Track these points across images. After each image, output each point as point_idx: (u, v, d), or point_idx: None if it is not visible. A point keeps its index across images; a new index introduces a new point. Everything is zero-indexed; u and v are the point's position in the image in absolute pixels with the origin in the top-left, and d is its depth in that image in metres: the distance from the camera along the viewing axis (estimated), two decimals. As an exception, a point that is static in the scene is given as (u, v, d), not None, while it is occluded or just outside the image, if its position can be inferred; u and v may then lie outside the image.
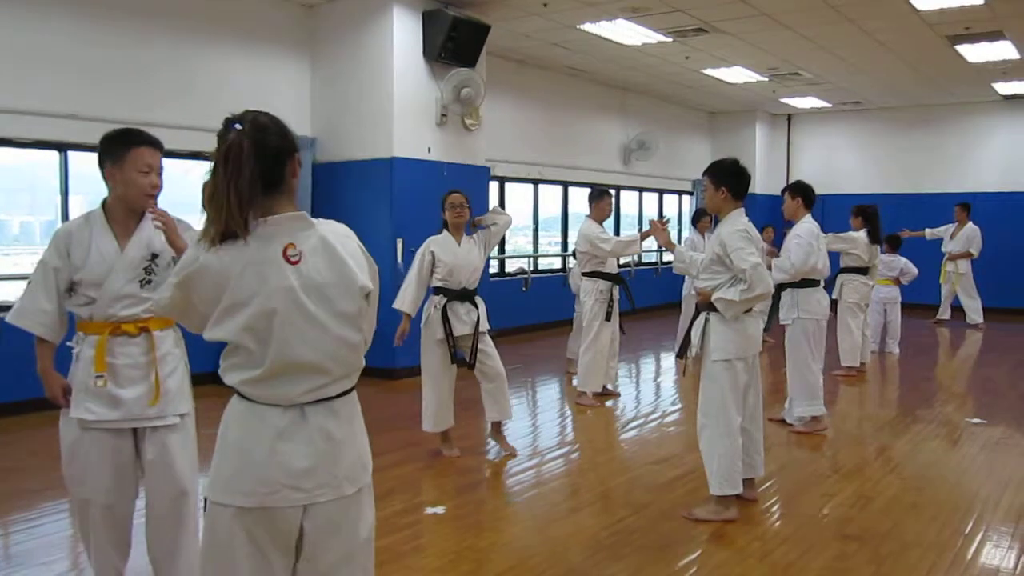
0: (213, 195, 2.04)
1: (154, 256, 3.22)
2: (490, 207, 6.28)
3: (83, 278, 3.14)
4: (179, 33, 7.79)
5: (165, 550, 3.31)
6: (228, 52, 8.16)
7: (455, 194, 5.70)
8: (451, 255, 5.59)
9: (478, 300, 5.72)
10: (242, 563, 2.07)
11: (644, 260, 14.93)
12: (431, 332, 5.62)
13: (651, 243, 7.41)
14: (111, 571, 3.27)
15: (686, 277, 9.12)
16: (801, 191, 6.52)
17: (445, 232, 5.67)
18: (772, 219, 11.96)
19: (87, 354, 3.16)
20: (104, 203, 3.24)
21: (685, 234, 10.47)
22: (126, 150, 3.13)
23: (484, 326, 5.72)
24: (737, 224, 4.50)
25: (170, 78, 7.70)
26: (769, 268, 5.41)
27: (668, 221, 5.96)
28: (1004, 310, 13.82)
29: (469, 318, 5.62)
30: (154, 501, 3.28)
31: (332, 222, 2.22)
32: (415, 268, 5.59)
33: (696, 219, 10.11)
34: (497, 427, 5.89)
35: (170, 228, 3.15)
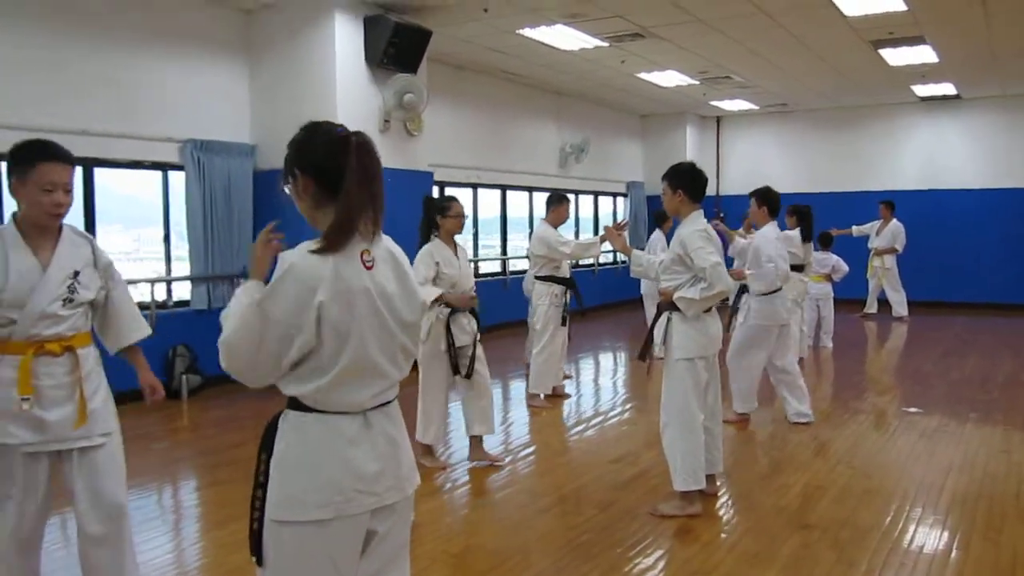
0: (361, 191, 2.05)
1: (76, 273, 3.10)
2: None
3: (2, 299, 2.97)
4: (112, 38, 7.59)
5: (107, 574, 3.21)
6: (163, 58, 7.99)
7: (458, 203, 5.58)
8: (455, 268, 5.50)
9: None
10: None
11: (595, 262, 15.08)
12: (434, 344, 5.50)
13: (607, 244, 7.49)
14: None
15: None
16: (766, 199, 6.69)
17: (438, 241, 5.53)
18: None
19: (7, 375, 3.00)
20: (15, 217, 3.08)
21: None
22: (30, 166, 2.97)
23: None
24: (696, 225, 4.63)
25: (103, 85, 7.50)
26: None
27: (627, 224, 6.00)
28: (927, 303, 14.37)
29: (470, 328, 5.60)
30: (88, 525, 3.15)
31: (389, 238, 2.25)
32: (425, 275, 5.37)
33: (660, 220, 10.31)
34: (479, 441, 5.78)
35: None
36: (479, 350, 5.67)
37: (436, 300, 5.37)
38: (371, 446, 2.13)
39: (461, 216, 5.56)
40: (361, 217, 2.06)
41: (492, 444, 6.04)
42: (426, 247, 5.50)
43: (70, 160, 3.08)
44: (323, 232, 2.07)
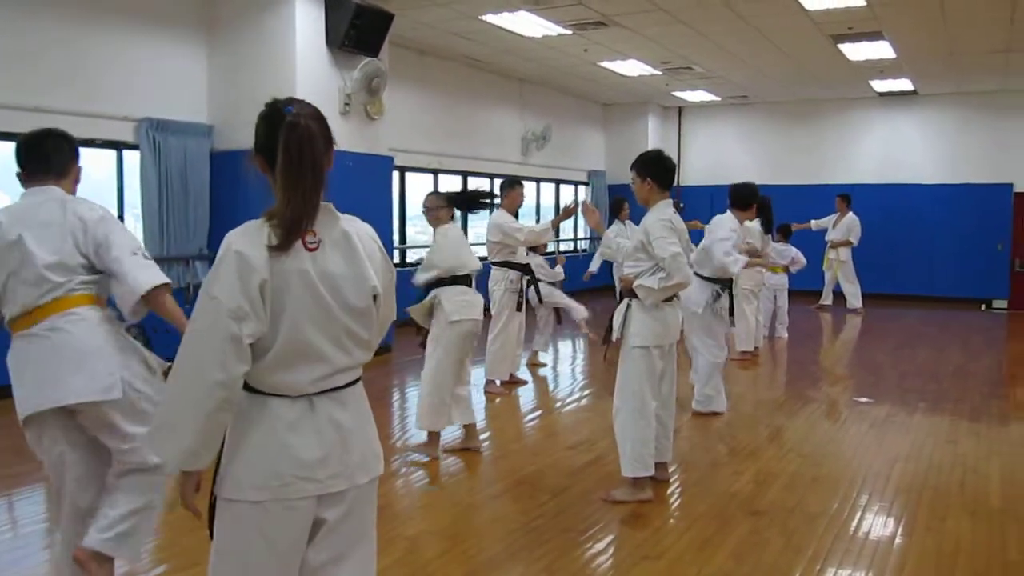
0: (285, 181, 2.02)
1: None
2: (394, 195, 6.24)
3: None
4: (69, 13, 7.43)
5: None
6: (120, 35, 7.83)
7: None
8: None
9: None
10: (254, 558, 2.07)
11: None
12: (440, 328, 5.45)
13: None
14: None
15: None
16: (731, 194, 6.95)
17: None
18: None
19: None
20: None
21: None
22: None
23: None
24: (662, 214, 4.65)
25: (56, 62, 7.33)
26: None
27: (585, 203, 5.94)
28: (881, 295, 14.60)
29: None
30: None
31: (358, 220, 2.23)
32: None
33: (616, 210, 10.34)
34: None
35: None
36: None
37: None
38: (314, 432, 2.10)
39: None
40: (297, 206, 2.02)
41: (448, 430, 6.03)
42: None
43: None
44: (268, 212, 2.06)
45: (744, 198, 7.06)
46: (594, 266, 10.50)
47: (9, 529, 4.48)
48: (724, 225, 6.82)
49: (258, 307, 2.00)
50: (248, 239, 2.03)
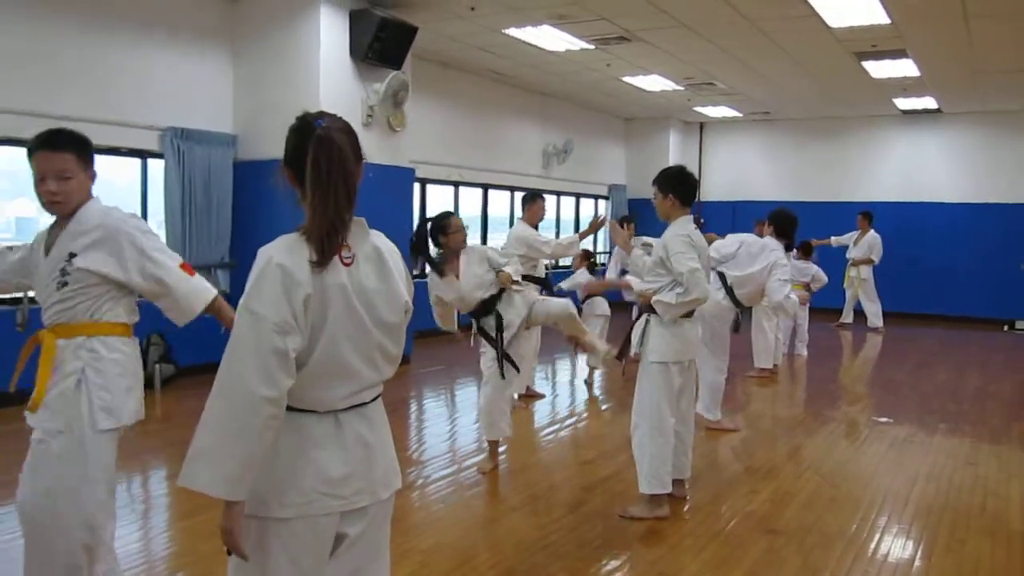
0: (315, 196, 2.00)
1: (71, 255, 2.95)
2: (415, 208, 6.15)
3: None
4: (96, 24, 7.53)
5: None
6: (145, 45, 7.93)
7: (456, 218, 5.42)
8: (455, 289, 5.38)
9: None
10: (277, 574, 2.04)
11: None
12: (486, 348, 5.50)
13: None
14: None
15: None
16: (774, 220, 6.71)
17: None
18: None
19: None
20: None
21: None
22: (30, 157, 2.95)
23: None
24: (682, 229, 4.64)
25: (81, 71, 7.44)
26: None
27: (613, 222, 5.84)
28: (902, 314, 14.50)
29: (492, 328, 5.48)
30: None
31: (383, 235, 2.21)
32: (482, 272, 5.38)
33: (627, 222, 10.28)
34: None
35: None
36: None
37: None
38: (340, 448, 2.08)
39: (462, 231, 5.37)
40: (328, 220, 2.00)
41: (465, 443, 6.05)
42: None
43: (66, 145, 2.95)
44: (302, 227, 2.04)
45: (788, 224, 6.86)
46: (612, 274, 10.25)
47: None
48: (778, 252, 6.51)
49: (301, 322, 1.97)
50: (289, 252, 1.99)
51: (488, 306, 5.39)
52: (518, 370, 5.57)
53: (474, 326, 5.55)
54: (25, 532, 3.02)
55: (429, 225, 5.38)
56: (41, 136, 2.96)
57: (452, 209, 12.34)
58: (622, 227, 5.48)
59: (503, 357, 5.39)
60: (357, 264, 2.08)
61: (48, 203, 2.97)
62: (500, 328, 5.39)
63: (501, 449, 6.07)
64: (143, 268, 3.04)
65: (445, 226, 5.32)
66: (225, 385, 1.96)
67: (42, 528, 2.94)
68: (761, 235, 8.69)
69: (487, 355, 5.52)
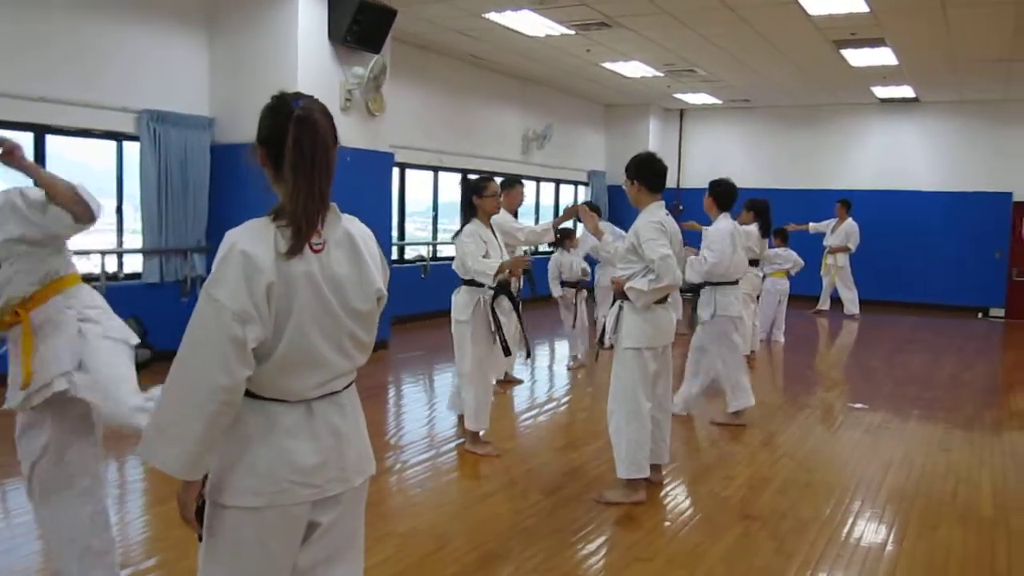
0: (296, 178, 1.96)
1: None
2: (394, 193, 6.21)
3: None
4: (69, 4, 7.40)
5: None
6: (121, 26, 7.82)
7: (494, 183, 5.61)
8: (495, 248, 5.50)
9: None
10: (248, 563, 2.04)
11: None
12: (477, 326, 5.48)
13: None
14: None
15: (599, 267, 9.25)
16: (716, 191, 6.60)
17: (477, 221, 5.53)
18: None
19: None
20: None
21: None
22: None
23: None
24: (653, 216, 4.65)
25: (58, 52, 7.33)
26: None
27: (583, 206, 5.87)
28: (878, 302, 14.62)
29: (510, 310, 5.64)
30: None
31: (356, 220, 2.17)
32: (475, 251, 5.38)
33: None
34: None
35: (8, 152, 2.97)
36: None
37: (498, 271, 5.34)
38: (312, 437, 2.06)
39: (497, 195, 5.58)
40: (308, 203, 1.97)
41: (443, 428, 6.05)
42: (468, 227, 5.50)
43: None
44: (274, 210, 2.01)
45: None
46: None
47: (2, 519, 4.48)
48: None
49: (263, 311, 1.93)
50: (254, 239, 1.95)
51: (503, 285, 5.55)
52: (508, 354, 5.67)
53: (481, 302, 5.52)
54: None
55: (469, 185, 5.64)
56: None
57: (432, 195, 12.38)
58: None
59: (503, 341, 5.48)
60: (328, 250, 2.04)
61: None
62: (517, 308, 5.71)
63: (482, 434, 6.08)
64: (32, 204, 3.06)
65: (481, 188, 5.55)
66: (183, 369, 1.95)
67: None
68: (746, 221, 8.78)
69: (471, 348, 5.51)
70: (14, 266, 3.09)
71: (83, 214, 3.05)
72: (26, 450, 3.21)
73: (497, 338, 5.50)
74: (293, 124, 1.97)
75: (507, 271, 5.44)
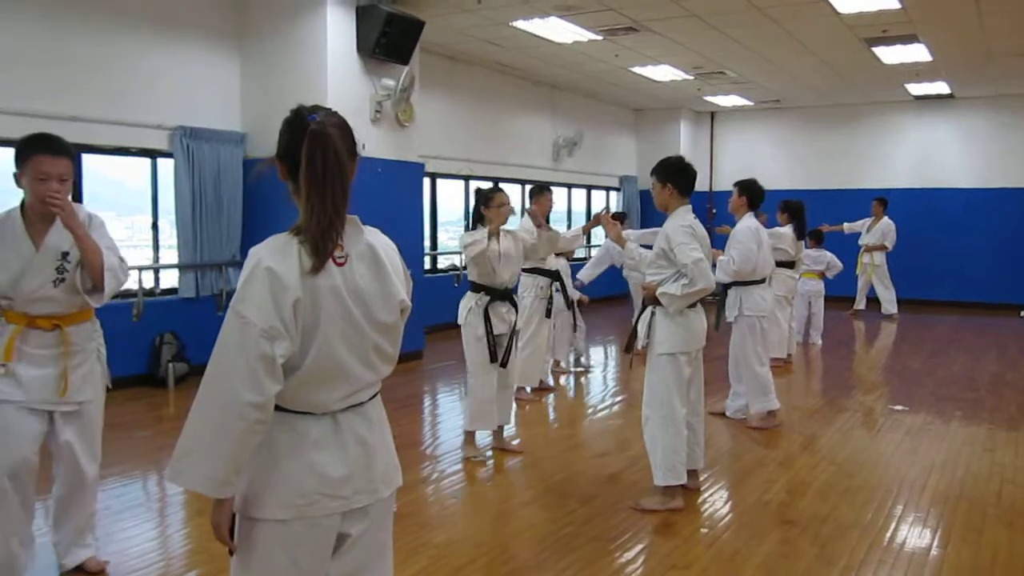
0: (310, 193, 1.96)
1: (65, 254, 3.40)
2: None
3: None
4: (104, 24, 7.55)
5: (66, 532, 3.72)
6: (153, 44, 7.94)
7: (502, 194, 5.67)
8: (496, 256, 5.56)
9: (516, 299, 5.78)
10: (280, 575, 2.04)
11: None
12: (472, 330, 5.54)
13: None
14: (6, 545, 3.45)
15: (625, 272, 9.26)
16: (746, 189, 6.66)
17: (483, 230, 5.58)
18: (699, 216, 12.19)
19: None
20: (22, 204, 3.42)
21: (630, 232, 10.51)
22: (27, 156, 3.30)
23: (518, 326, 5.80)
24: (682, 220, 4.62)
25: (90, 71, 7.45)
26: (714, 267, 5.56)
27: (624, 215, 5.92)
28: (916, 301, 14.40)
29: (508, 317, 5.65)
30: (59, 482, 3.67)
31: (378, 232, 2.16)
32: (471, 236, 5.54)
33: (618, 220, 10.22)
34: (500, 430, 5.87)
35: (67, 213, 3.30)
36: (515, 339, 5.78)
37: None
38: (339, 449, 2.06)
39: (504, 206, 5.62)
40: (324, 217, 1.96)
41: (479, 437, 6.03)
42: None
43: (65, 152, 3.37)
44: (295, 227, 2.02)
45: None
46: (584, 275, 9.33)
47: None
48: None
49: (291, 326, 1.93)
50: (279, 255, 1.96)
51: (508, 294, 5.64)
52: (499, 362, 5.63)
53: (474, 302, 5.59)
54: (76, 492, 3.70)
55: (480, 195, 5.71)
56: (39, 140, 3.35)
57: (463, 204, 12.40)
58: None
59: (491, 347, 5.51)
60: (350, 264, 2.04)
61: (44, 203, 3.30)
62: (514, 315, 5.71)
63: (514, 444, 6.07)
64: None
65: (489, 198, 5.62)
66: (212, 387, 1.95)
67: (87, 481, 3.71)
68: (781, 223, 8.73)
69: (467, 351, 5.60)
70: (58, 288, 3.44)
71: (94, 291, 3.48)
72: None
73: (487, 343, 5.52)
74: (307, 139, 1.97)
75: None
